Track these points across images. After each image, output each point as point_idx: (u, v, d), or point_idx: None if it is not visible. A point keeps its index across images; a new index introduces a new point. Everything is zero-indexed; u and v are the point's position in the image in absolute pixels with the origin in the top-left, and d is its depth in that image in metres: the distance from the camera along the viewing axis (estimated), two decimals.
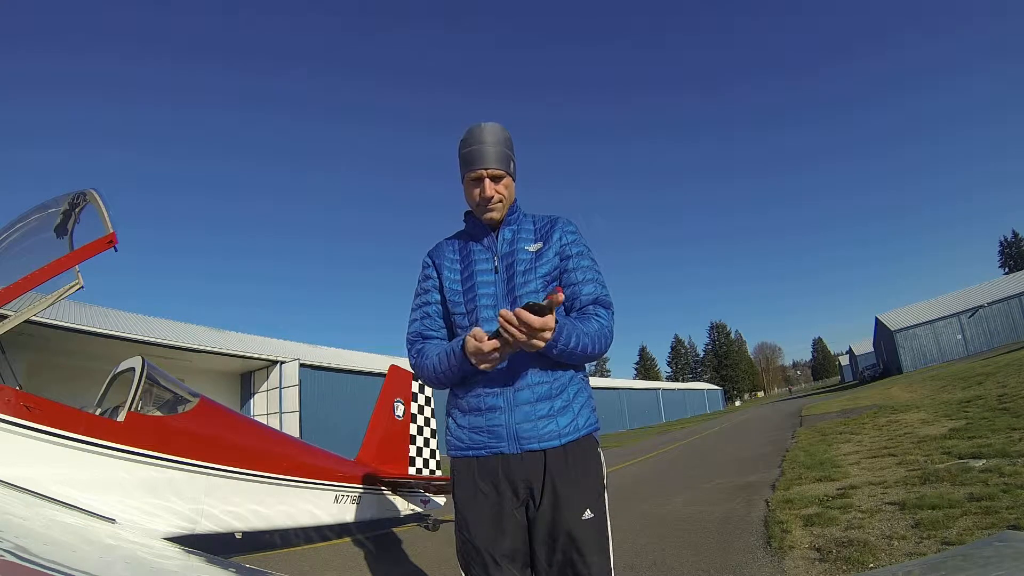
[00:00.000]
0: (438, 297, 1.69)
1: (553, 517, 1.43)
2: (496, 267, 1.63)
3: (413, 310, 1.73)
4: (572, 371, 1.57)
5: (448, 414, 1.62)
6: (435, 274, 1.70)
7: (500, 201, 1.63)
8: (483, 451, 1.49)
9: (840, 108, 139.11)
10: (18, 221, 3.99)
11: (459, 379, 1.55)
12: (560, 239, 1.66)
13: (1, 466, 3.10)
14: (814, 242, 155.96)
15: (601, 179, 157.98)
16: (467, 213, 1.73)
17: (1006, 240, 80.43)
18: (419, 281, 1.75)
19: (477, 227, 1.69)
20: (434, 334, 1.68)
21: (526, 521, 1.47)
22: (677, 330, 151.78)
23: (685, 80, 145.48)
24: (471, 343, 1.40)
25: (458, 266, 1.68)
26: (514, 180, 1.69)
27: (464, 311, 1.61)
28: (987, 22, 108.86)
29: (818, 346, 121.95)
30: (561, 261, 1.65)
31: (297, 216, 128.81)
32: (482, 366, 1.40)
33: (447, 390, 1.67)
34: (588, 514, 1.44)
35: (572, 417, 1.51)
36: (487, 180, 1.60)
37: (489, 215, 1.63)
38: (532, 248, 1.64)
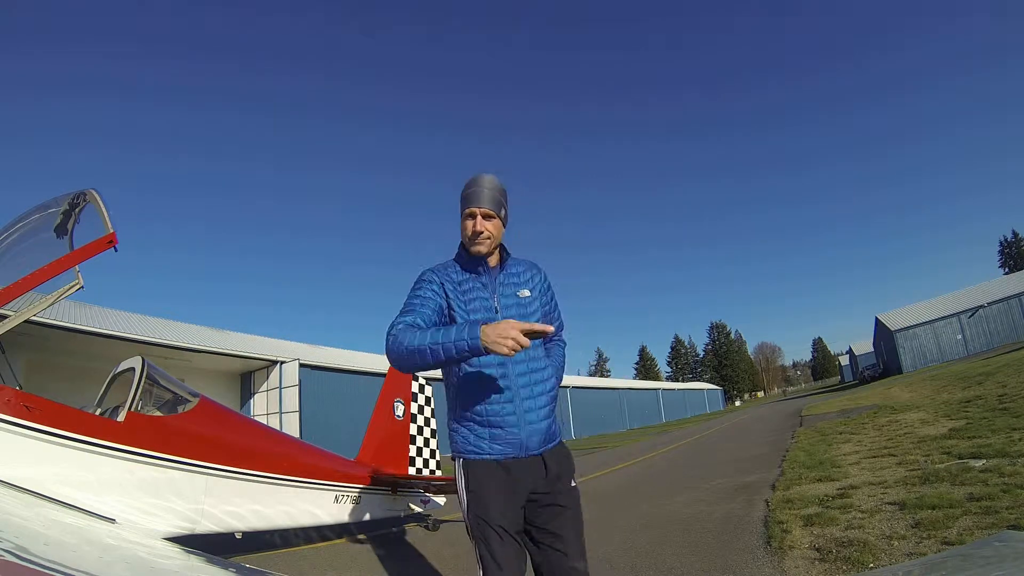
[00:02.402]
0: (440, 304, 1.93)
1: (552, 488, 1.92)
2: (496, 307, 1.97)
3: (410, 301, 1.92)
4: (556, 396, 2.02)
5: (462, 426, 1.93)
6: (440, 290, 1.95)
7: (488, 238, 1.94)
8: (500, 456, 1.89)
9: (840, 108, 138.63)
10: (18, 221, 3.99)
11: (445, 360, 1.71)
12: (542, 290, 2.11)
13: (1, 466, 3.11)
14: (814, 242, 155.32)
15: (601, 179, 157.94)
16: (461, 245, 2.03)
17: (1006, 240, 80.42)
18: (418, 287, 1.96)
19: (476, 264, 1.99)
20: (424, 324, 1.86)
21: (525, 503, 1.90)
22: (677, 330, 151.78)
23: (685, 80, 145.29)
24: (504, 328, 1.63)
25: (461, 297, 1.96)
26: (504, 225, 2.01)
27: None
28: (986, 22, 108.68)
29: (818, 346, 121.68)
30: (543, 304, 2.10)
31: (297, 216, 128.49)
32: (499, 346, 1.60)
33: (456, 399, 1.96)
34: (572, 484, 2.00)
35: (554, 431, 1.99)
36: (479, 217, 1.93)
37: (476, 248, 1.95)
38: (523, 294, 2.02)
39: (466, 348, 1.65)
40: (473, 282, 1.97)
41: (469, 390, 1.90)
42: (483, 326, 1.63)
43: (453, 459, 1.98)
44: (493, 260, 2.01)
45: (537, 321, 1.99)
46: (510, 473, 1.87)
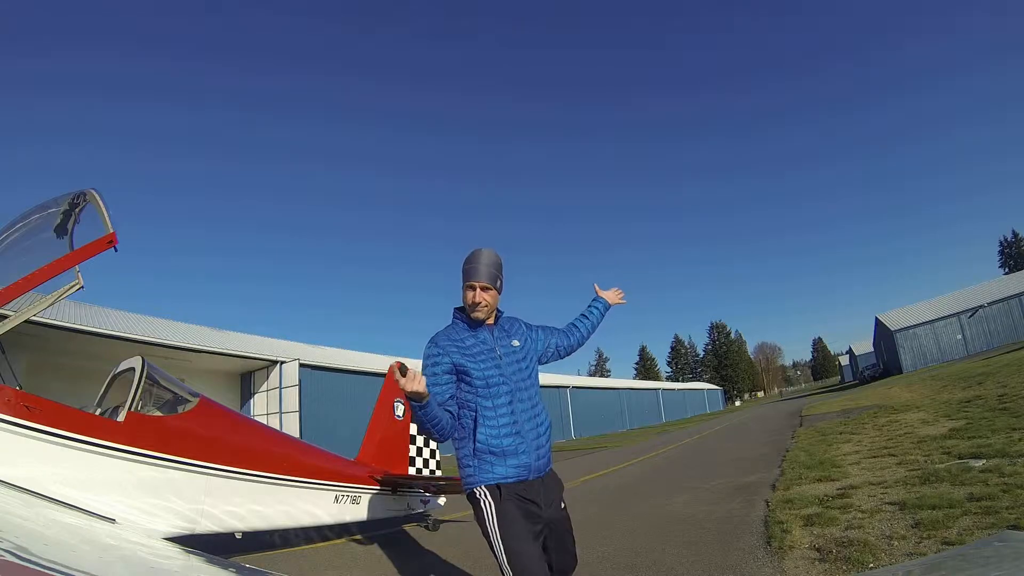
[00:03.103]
0: (449, 370, 2.25)
1: (550, 508, 2.28)
2: (499, 355, 2.32)
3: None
4: (551, 430, 2.43)
5: (479, 459, 2.22)
6: (449, 359, 2.25)
7: (485, 306, 2.30)
8: (515, 478, 2.21)
9: (840, 108, 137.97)
10: (18, 221, 3.99)
11: (432, 419, 2.11)
12: (530, 337, 2.51)
13: (1, 466, 3.11)
14: (814, 242, 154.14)
15: (601, 178, 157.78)
16: (457, 310, 2.40)
17: (1006, 240, 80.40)
18: (427, 364, 2.26)
19: (476, 325, 2.35)
20: (439, 400, 2.22)
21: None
22: (677, 330, 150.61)
23: (685, 80, 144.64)
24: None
25: (467, 353, 2.28)
26: (499, 294, 2.37)
27: (486, 386, 2.29)
28: (987, 21, 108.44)
29: (818, 346, 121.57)
30: (535, 340, 2.53)
31: (297, 216, 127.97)
32: (410, 390, 1.97)
33: (470, 439, 2.25)
34: (562, 505, 2.38)
35: (550, 458, 2.38)
36: (478, 289, 2.28)
37: (475, 314, 2.32)
38: (515, 344, 2.39)
39: (419, 411, 2.05)
40: (474, 339, 2.32)
41: (485, 430, 2.22)
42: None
43: (470, 494, 2.24)
44: (490, 320, 2.39)
45: (532, 358, 2.46)
46: (524, 496, 2.20)
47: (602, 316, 2.86)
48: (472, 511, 2.25)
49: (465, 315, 2.38)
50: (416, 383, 1.92)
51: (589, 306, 2.87)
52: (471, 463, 2.22)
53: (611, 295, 2.90)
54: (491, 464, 2.20)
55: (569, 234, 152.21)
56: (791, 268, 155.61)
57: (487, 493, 2.17)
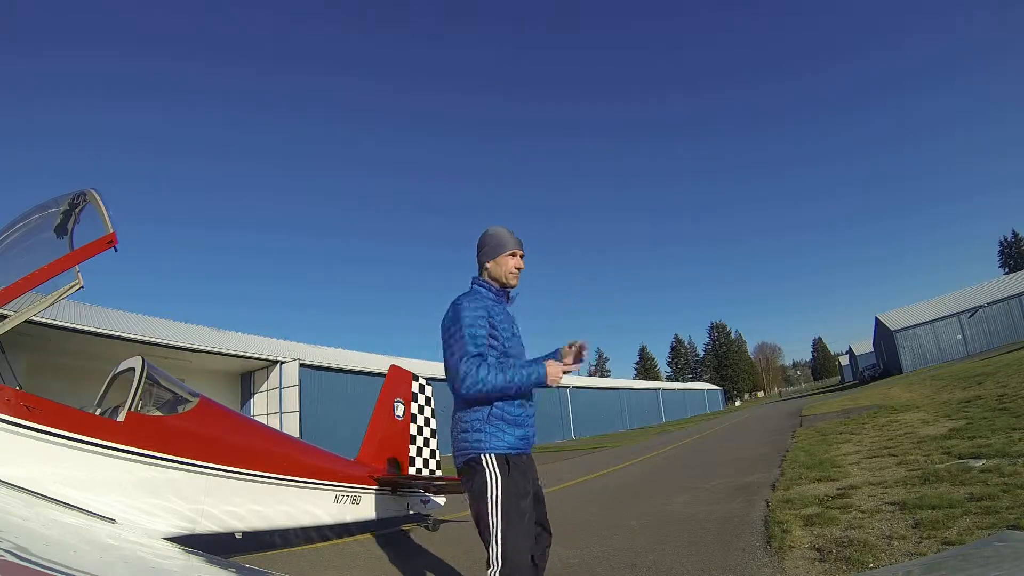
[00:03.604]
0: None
1: (535, 480, 2.40)
2: (517, 333, 2.45)
3: (476, 335, 2.22)
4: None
5: (493, 427, 2.24)
6: (487, 324, 2.29)
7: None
8: (520, 451, 2.29)
9: (840, 108, 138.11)
10: (18, 221, 3.99)
11: (519, 394, 2.26)
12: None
13: (1, 466, 3.11)
14: (814, 242, 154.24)
15: (600, 178, 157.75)
16: (477, 280, 2.44)
17: (1006, 240, 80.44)
18: (477, 323, 2.24)
19: (501, 297, 2.43)
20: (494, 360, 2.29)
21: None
22: (677, 330, 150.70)
23: (685, 79, 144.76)
24: (556, 368, 2.30)
25: (498, 327, 2.33)
26: None
27: (506, 355, 2.35)
28: (987, 21, 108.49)
29: (818, 346, 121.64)
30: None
31: (297, 216, 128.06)
32: (554, 382, 2.27)
33: (487, 406, 2.28)
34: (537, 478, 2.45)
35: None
36: (519, 256, 2.42)
37: (515, 282, 2.43)
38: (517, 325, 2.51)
39: (537, 385, 2.23)
40: (503, 313, 2.38)
41: (507, 398, 2.24)
42: (547, 366, 2.26)
43: (475, 458, 2.22)
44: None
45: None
46: (525, 471, 2.27)
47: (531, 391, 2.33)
48: (469, 477, 2.23)
49: (487, 285, 2.41)
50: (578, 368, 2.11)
51: (531, 363, 2.36)
52: (483, 427, 2.22)
53: (560, 367, 2.33)
54: (502, 431, 2.23)
55: (569, 234, 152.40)
56: (791, 268, 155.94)
57: (494, 462, 2.19)
